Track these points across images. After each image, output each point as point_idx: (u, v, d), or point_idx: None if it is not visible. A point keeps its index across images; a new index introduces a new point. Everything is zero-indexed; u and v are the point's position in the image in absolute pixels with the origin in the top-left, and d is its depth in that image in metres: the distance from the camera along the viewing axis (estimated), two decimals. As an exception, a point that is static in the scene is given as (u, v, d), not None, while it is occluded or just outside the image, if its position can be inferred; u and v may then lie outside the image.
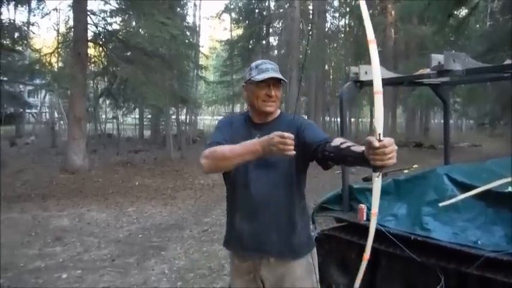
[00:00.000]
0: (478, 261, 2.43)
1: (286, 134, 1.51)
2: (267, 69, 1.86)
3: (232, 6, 18.95)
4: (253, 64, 1.96)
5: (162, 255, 4.89)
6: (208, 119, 27.36)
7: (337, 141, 1.62)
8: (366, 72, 3.37)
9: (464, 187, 2.82)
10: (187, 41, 13.75)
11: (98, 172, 11.00)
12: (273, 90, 1.85)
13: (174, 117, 17.29)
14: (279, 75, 1.84)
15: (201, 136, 22.32)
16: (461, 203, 2.76)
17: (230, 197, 1.95)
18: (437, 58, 2.87)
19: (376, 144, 1.27)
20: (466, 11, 7.87)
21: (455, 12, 7.26)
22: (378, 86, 1.35)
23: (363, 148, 1.39)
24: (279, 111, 1.97)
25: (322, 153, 1.65)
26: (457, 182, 2.89)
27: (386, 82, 3.97)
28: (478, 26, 9.44)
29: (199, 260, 4.68)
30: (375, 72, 1.37)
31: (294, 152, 1.52)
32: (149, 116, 20.67)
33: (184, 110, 18.14)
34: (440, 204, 2.71)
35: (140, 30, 11.81)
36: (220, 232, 5.80)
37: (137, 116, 21.64)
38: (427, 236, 2.75)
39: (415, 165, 4.35)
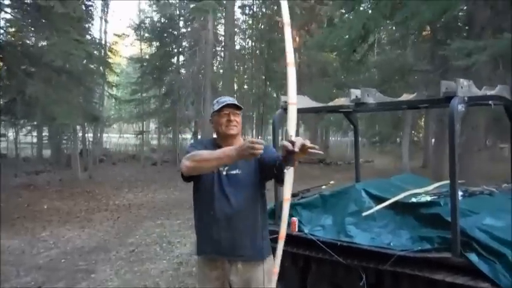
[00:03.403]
0: (391, 260, 3.00)
1: (256, 140, 1.86)
2: (224, 101, 2.25)
3: (144, 25, 18.81)
4: (215, 100, 2.32)
5: (92, 278, 4.82)
6: (115, 137, 26.26)
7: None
8: (294, 102, 3.88)
9: (378, 199, 3.42)
10: (93, 57, 13.35)
11: (-5, 196, 10.11)
12: (232, 116, 2.23)
13: (78, 135, 16.44)
14: (235, 102, 2.24)
15: (107, 155, 21.45)
16: (376, 213, 3.34)
17: (206, 210, 2.21)
18: (355, 92, 3.48)
19: (291, 147, 1.70)
20: (366, 45, 9.14)
21: (357, 47, 8.44)
22: (292, 98, 1.78)
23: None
24: (242, 139, 2.32)
25: (277, 169, 2.01)
26: (372, 195, 3.48)
27: (309, 110, 4.54)
28: (373, 59, 10.89)
29: (132, 280, 4.73)
30: (291, 87, 1.78)
31: (262, 151, 1.86)
32: (46, 134, 19.29)
33: (91, 128, 17.41)
34: (363, 214, 3.26)
35: (43, 44, 11.20)
36: (148, 252, 5.88)
37: (35, 134, 20.04)
38: (351, 242, 3.28)
39: (332, 181, 4.94)
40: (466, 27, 8.98)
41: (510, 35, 4.61)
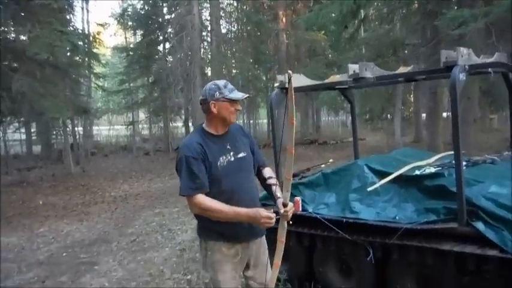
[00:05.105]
0: (398, 233, 2.99)
1: (272, 216, 2.05)
2: (233, 89, 2.25)
3: (127, 13, 18.38)
4: (220, 84, 2.25)
5: (95, 269, 4.79)
6: (105, 129, 25.91)
7: (266, 173, 2.39)
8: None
9: (381, 174, 3.40)
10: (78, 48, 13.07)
11: (-12, 195, 9.97)
12: (239, 106, 2.29)
13: (68, 129, 16.22)
14: (247, 95, 2.37)
15: (99, 147, 21.22)
16: (380, 188, 3.32)
17: (226, 199, 2.18)
18: (352, 67, 3.42)
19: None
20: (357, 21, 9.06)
21: (349, 24, 8.34)
22: (291, 148, 1.95)
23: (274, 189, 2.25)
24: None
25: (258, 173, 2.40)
26: (375, 170, 3.46)
27: (306, 88, 4.49)
28: (362, 35, 10.80)
29: (137, 269, 4.71)
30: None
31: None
32: (34, 130, 18.96)
33: (81, 121, 17.20)
34: (368, 189, 3.24)
35: (24, 38, 10.90)
36: (150, 241, 5.85)
37: (23, 131, 19.70)
38: (356, 218, 3.26)
39: (331, 160, 4.92)
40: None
41: (506, 1, 4.56)
